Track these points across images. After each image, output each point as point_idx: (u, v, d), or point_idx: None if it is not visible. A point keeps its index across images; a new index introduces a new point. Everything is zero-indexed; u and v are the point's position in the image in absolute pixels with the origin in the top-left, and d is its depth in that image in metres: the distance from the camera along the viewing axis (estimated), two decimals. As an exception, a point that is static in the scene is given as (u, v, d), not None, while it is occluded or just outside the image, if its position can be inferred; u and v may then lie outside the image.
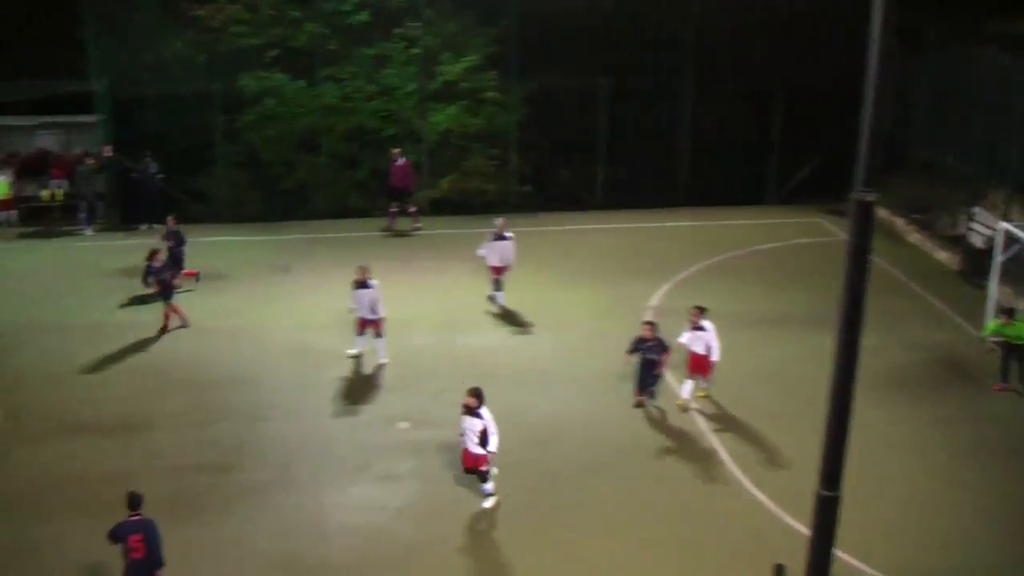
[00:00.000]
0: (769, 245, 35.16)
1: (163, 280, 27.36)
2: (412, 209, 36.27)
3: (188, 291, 29.12)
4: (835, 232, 35.65)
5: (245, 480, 20.58)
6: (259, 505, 19.72)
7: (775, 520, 19.63)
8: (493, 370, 25.39)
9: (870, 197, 9.00)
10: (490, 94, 37.46)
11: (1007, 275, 28.54)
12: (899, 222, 37.03)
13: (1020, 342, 25.20)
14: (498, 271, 29.14)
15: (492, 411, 20.89)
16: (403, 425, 22.77)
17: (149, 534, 16.15)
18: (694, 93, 38.61)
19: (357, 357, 25.78)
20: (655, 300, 29.89)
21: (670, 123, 39.00)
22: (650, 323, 23.63)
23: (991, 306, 27.89)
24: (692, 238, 35.57)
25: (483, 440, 19.33)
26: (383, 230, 36.20)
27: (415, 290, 30.17)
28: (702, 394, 24.05)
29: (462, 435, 19.55)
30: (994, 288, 28.38)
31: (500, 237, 28.95)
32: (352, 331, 25.83)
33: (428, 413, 23.32)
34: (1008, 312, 25.40)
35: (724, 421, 23.22)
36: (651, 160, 38.55)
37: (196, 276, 30.75)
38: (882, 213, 36.56)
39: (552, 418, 23.46)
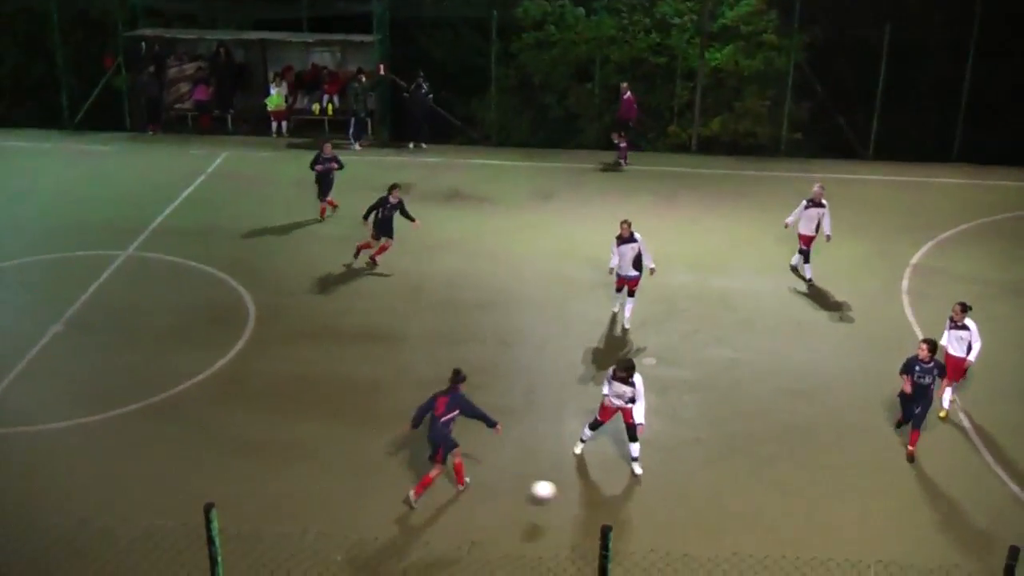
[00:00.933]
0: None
1: (388, 216, 27.07)
2: (623, 144, 35.94)
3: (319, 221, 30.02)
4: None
5: (490, 401, 20.70)
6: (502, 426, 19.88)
7: (1018, 502, 18.93)
8: (747, 315, 25.20)
9: None
10: (768, 36, 36.76)
11: None
12: None
13: None
14: (808, 240, 27.17)
15: (745, 357, 20.67)
16: (649, 361, 22.66)
17: (452, 401, 17.98)
18: (977, 47, 36.98)
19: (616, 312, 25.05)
20: (916, 258, 28.98)
21: (951, 77, 37.47)
22: (929, 342, 19.66)
23: None
24: (962, 197, 34.26)
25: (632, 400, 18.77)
26: (613, 164, 36.17)
27: (674, 228, 30.07)
28: (942, 414, 21.08)
29: (607, 395, 19.00)
30: None
31: (815, 204, 26.90)
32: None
33: (676, 352, 23.23)
34: None
35: (975, 395, 22.25)
36: (928, 114, 37.22)
37: (335, 207, 30.68)
38: None
39: (805, 370, 23.09)
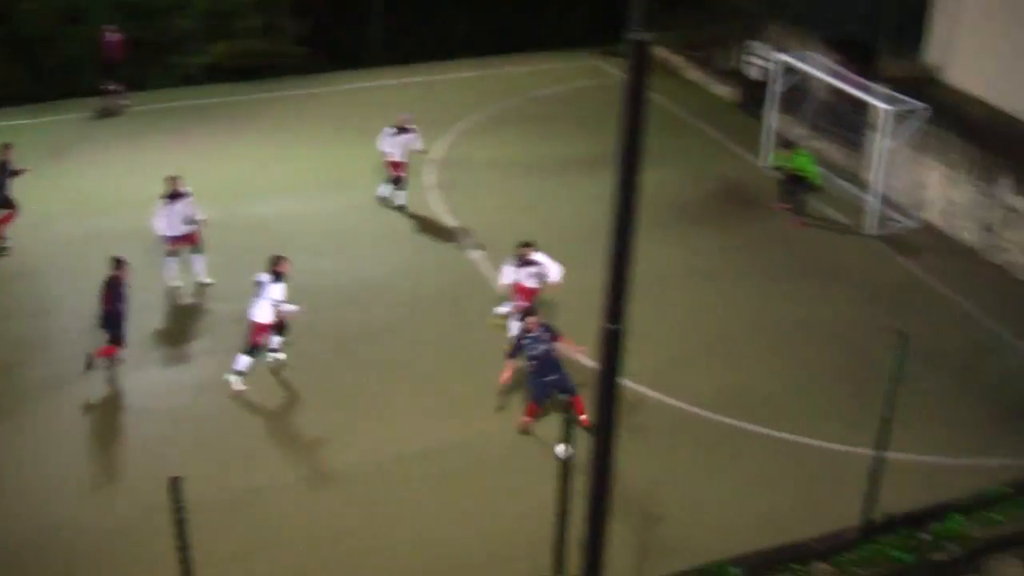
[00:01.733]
0: (549, 90, 35.28)
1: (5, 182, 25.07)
2: (112, 87, 34.57)
3: None
4: (614, 74, 35.94)
5: (37, 375, 19.93)
6: (56, 398, 19.17)
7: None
8: (284, 237, 25.07)
9: (646, 37, 8.98)
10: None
11: (783, 105, 29.55)
12: (677, 59, 37.50)
13: (803, 174, 26.24)
14: (399, 167, 26.69)
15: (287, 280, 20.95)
16: (192, 301, 22.39)
17: (111, 287, 19.48)
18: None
19: (181, 286, 23.32)
20: (437, 153, 29.79)
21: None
22: (528, 312, 19.02)
23: (768, 136, 28.89)
24: (471, 88, 35.41)
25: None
26: (110, 111, 34.22)
27: (194, 163, 28.85)
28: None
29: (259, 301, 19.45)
30: (770, 118, 29.29)
31: (403, 130, 26.54)
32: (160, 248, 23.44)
33: (218, 286, 22.95)
34: (787, 145, 26.22)
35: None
36: (426, 13, 37.97)
37: None
38: (660, 52, 36.98)
39: (350, 279, 23.54)
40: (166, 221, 22.65)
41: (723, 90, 35.43)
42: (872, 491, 14.62)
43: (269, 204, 27.09)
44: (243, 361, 19.51)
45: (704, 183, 28.41)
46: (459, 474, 17.11)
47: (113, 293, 19.44)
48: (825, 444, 17.98)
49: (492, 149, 29.77)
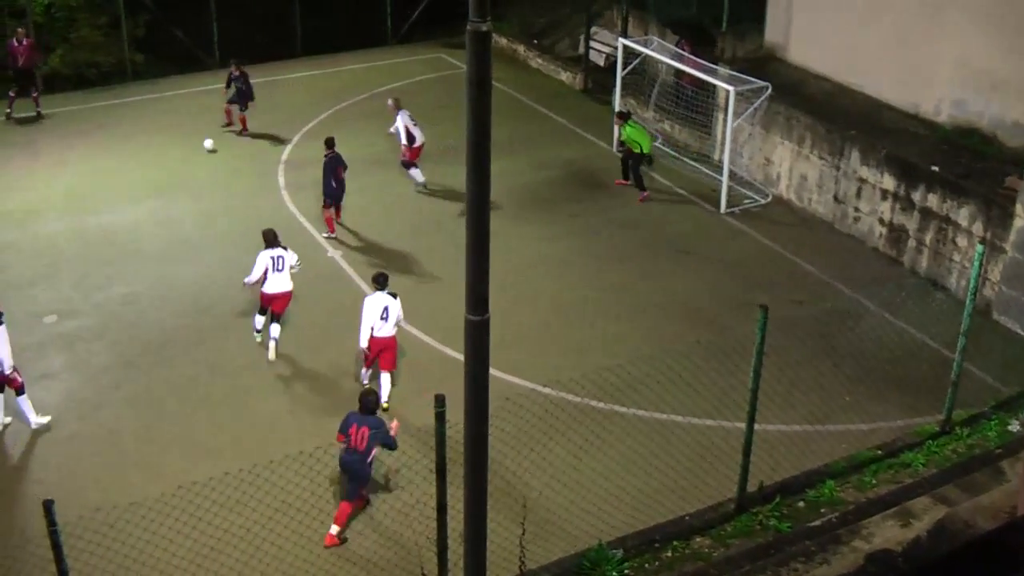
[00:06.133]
0: (394, 85, 35.01)
1: None
2: (35, 93, 33.14)
3: None
4: (457, 65, 35.91)
5: None
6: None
7: (433, 351, 20.39)
8: (133, 247, 24.75)
9: (484, 27, 8.93)
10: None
11: (630, 89, 29.89)
12: (520, 48, 37.61)
13: (635, 149, 26.54)
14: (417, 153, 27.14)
15: (140, 289, 20.55)
16: (50, 319, 21.71)
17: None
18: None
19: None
20: (286, 154, 29.60)
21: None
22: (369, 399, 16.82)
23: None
24: (315, 87, 35.05)
25: None
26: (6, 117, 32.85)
27: (37, 175, 28.36)
28: (385, 405, 18.77)
29: None
30: (617, 103, 29.62)
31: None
32: None
33: (72, 302, 22.35)
34: (622, 116, 26.47)
35: (367, 265, 23.40)
36: (264, 12, 37.51)
37: None
38: (502, 41, 37.09)
39: (202, 286, 23.15)
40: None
41: (567, 76, 35.62)
42: (746, 464, 14.75)
43: (117, 213, 26.43)
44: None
45: (552, 169, 28.56)
46: (328, 478, 16.84)
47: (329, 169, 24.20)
48: (695, 420, 18.12)
49: (338, 147, 29.59)
